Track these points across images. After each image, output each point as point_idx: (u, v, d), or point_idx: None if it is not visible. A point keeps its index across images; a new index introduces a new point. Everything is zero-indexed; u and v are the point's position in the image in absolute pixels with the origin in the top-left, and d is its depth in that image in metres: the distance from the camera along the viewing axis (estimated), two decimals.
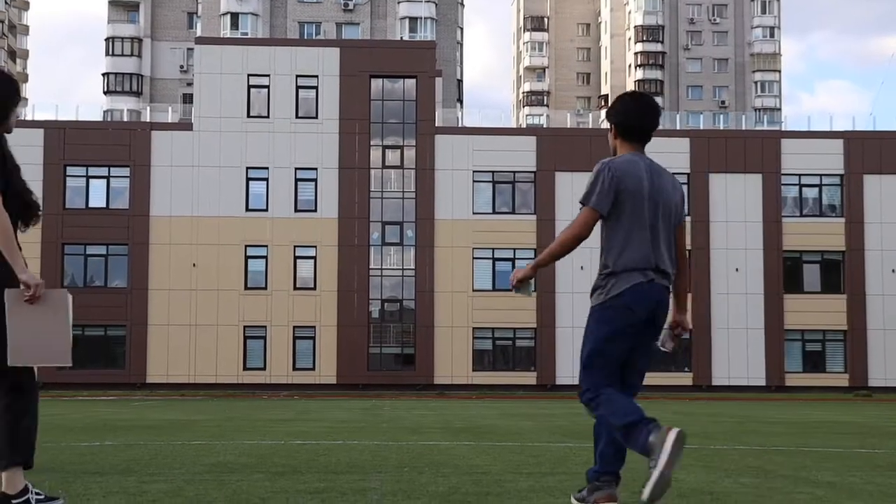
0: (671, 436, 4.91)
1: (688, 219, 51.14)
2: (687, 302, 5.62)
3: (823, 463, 8.83)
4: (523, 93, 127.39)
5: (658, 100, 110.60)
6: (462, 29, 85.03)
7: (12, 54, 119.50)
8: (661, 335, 5.57)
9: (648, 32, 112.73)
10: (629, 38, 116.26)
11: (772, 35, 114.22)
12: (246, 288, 49.72)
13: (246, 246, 49.85)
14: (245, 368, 49.60)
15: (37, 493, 5.13)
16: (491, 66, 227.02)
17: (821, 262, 52.62)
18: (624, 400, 5.22)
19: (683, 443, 4.96)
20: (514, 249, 50.72)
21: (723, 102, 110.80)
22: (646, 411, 5.13)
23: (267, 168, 50.80)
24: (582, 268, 51.11)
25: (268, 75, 51.66)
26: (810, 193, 53.06)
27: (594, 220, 5.39)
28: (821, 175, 52.76)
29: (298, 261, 50.40)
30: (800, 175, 52.64)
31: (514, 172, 51.62)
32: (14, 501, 5.05)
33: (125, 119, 60.30)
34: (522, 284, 5.46)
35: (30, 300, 5.05)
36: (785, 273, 51.87)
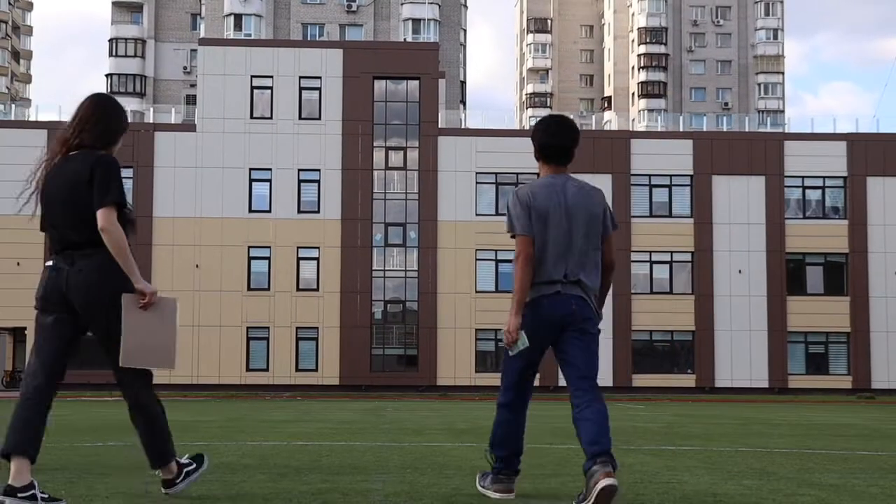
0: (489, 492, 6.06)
1: (690, 220, 51.48)
2: (603, 296, 6.02)
3: (827, 465, 8.81)
4: (526, 94, 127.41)
5: (661, 102, 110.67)
6: (465, 30, 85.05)
7: (16, 55, 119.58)
8: None
9: (652, 34, 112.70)
10: (632, 40, 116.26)
11: (775, 37, 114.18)
12: (249, 289, 49.74)
13: (249, 247, 49.88)
14: (248, 369, 49.63)
15: (42, 495, 5.35)
16: (494, 68, 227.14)
17: (824, 263, 52.59)
18: (516, 422, 5.98)
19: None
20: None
21: (726, 104, 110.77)
22: (516, 454, 5.99)
23: (270, 169, 50.83)
24: None
25: (271, 76, 51.69)
26: (813, 195, 53.03)
27: (530, 243, 5.73)
28: (824, 177, 52.73)
29: (301, 262, 50.41)
30: (803, 177, 52.61)
31: (517, 174, 51.59)
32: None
33: (129, 120, 60.28)
34: (520, 336, 5.80)
35: (143, 306, 5.53)
36: (788, 275, 51.85)
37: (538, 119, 6.06)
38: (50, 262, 5.57)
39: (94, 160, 5.53)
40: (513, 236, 5.80)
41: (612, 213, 5.98)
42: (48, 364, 5.66)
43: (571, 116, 53.89)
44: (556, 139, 6.01)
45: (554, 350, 5.92)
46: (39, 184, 5.74)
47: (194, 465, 6.02)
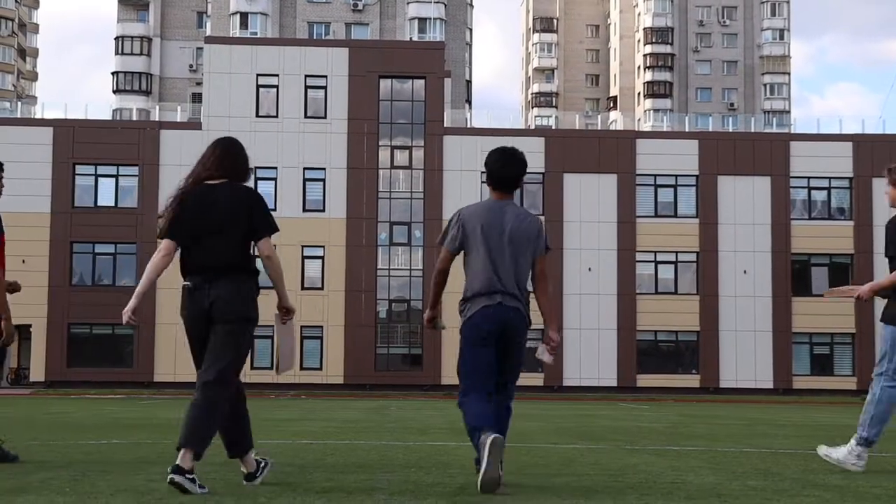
0: (487, 441, 6.00)
1: (696, 221, 51.49)
2: (553, 319, 6.62)
3: (831, 466, 8.80)
4: (532, 94, 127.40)
5: (666, 101, 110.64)
6: (471, 30, 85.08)
7: (22, 53, 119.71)
8: (538, 348, 6.78)
9: (658, 34, 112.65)
10: (638, 40, 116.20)
11: (781, 37, 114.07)
12: None
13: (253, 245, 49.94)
14: (252, 367, 49.64)
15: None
16: (500, 68, 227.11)
17: (829, 264, 52.54)
18: (478, 407, 6.32)
19: (500, 446, 6.04)
20: None
21: (732, 104, 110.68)
22: (490, 420, 6.25)
23: (275, 168, 50.87)
24: (590, 269, 51.15)
25: (277, 75, 51.72)
26: (819, 196, 52.98)
27: (449, 256, 6.53)
28: (830, 178, 52.68)
29: (306, 261, 50.45)
30: (809, 178, 52.56)
31: None
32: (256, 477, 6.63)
33: (134, 118, 60.39)
34: (434, 322, 6.70)
35: (284, 321, 6.61)
36: (793, 276, 51.80)
37: (491, 151, 6.77)
38: (188, 283, 6.26)
39: (248, 194, 6.31)
40: (440, 244, 6.58)
41: (547, 238, 6.73)
42: (202, 373, 6.41)
43: (576, 118, 53.64)
44: (504, 170, 6.65)
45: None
46: (174, 212, 6.33)
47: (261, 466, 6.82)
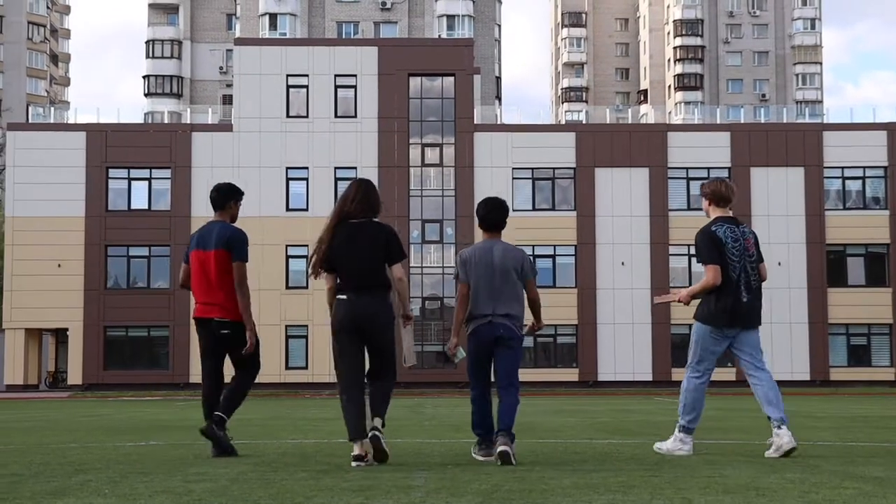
0: (496, 452, 8.03)
1: (729, 213, 50.98)
2: (539, 314, 8.46)
3: (871, 458, 8.74)
4: (562, 89, 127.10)
5: (697, 94, 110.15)
6: (500, 26, 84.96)
7: (54, 58, 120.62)
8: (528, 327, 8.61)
9: (687, 26, 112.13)
10: (668, 33, 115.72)
11: (813, 27, 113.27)
12: (287, 287, 49.94)
13: (287, 245, 50.08)
14: (287, 367, 49.87)
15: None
16: (529, 63, 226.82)
17: (865, 255, 52.16)
18: (482, 410, 8.48)
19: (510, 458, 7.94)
20: (555, 246, 50.64)
21: (763, 95, 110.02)
22: (489, 426, 8.42)
23: (307, 168, 51.03)
24: (623, 263, 51.00)
25: (306, 75, 51.86)
26: (853, 186, 52.59)
27: (466, 287, 8.28)
28: (864, 167, 52.28)
29: None
30: (843, 168, 52.19)
31: (554, 169, 51.53)
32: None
33: (166, 121, 60.68)
34: (457, 351, 8.29)
35: (405, 325, 8.26)
36: (828, 267, 51.45)
37: (481, 201, 8.56)
38: (343, 296, 8.01)
39: (388, 231, 8.10)
40: (457, 281, 8.36)
41: (532, 264, 8.48)
42: (354, 376, 8.07)
43: (607, 112, 53.48)
44: (490, 215, 8.45)
45: (493, 359, 8.33)
46: (328, 239, 8.04)
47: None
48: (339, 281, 8.05)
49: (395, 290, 8.03)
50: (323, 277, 8.14)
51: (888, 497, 6.08)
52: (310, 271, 8.24)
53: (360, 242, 7.98)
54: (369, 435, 7.83)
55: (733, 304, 8.50)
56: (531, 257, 52.23)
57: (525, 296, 8.39)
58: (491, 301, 8.19)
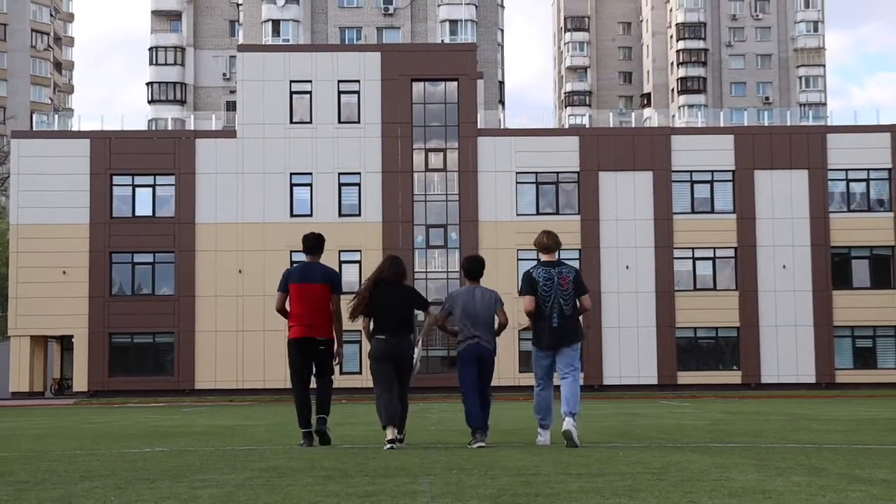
0: (476, 444, 10.80)
1: (734, 216, 51.13)
2: (499, 333, 11.37)
3: (877, 460, 8.73)
4: (565, 93, 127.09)
5: (701, 97, 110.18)
6: (502, 31, 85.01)
7: (58, 66, 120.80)
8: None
9: (690, 30, 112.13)
10: (671, 36, 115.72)
11: (815, 29, 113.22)
12: None
13: (291, 251, 50.06)
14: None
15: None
16: (532, 68, 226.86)
17: (870, 257, 52.10)
18: (473, 408, 11.02)
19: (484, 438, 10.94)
20: (559, 251, 50.56)
21: (767, 98, 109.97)
22: (479, 420, 10.97)
23: (311, 174, 51.05)
24: (627, 267, 50.99)
25: (310, 81, 51.90)
26: (857, 188, 52.54)
27: (444, 317, 11.40)
28: (868, 169, 52.24)
29: (343, 265, 50.52)
30: (846, 170, 52.15)
31: (558, 173, 51.52)
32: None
33: (170, 128, 60.77)
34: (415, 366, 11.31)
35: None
36: (833, 269, 51.38)
37: (466, 257, 11.59)
38: (381, 336, 10.92)
39: (411, 291, 11.28)
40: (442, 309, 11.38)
41: (500, 299, 11.32)
42: (388, 384, 10.92)
43: (610, 116, 53.36)
44: (472, 269, 11.36)
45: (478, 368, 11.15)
46: (367, 296, 10.96)
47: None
48: (374, 323, 10.95)
49: (427, 322, 11.40)
50: (360, 320, 11.07)
51: (895, 500, 6.07)
52: (349, 315, 11.00)
53: (394, 299, 10.93)
54: (395, 436, 10.68)
55: (547, 327, 10.79)
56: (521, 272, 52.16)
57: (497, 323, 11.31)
58: (475, 328, 11.03)
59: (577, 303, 10.98)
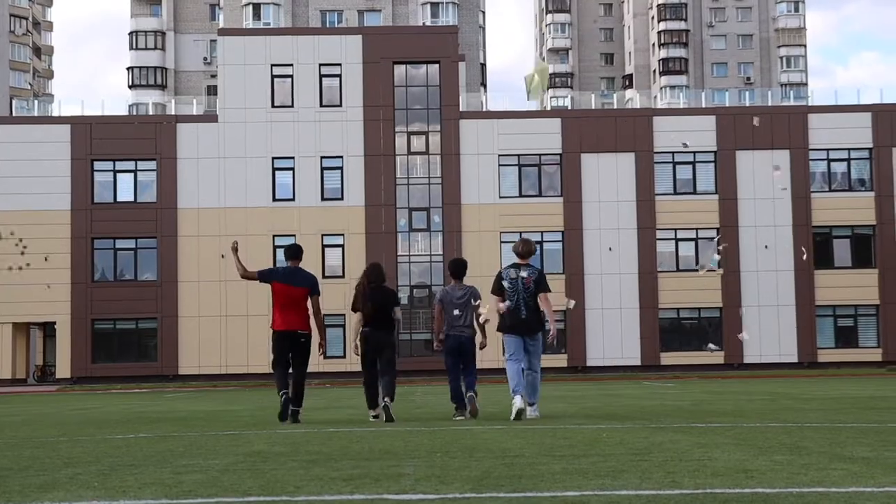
0: (464, 414, 13.25)
1: (715, 197, 51.33)
2: (483, 335, 13.79)
3: (858, 438, 8.78)
4: (547, 74, 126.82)
5: (682, 78, 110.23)
6: (484, 13, 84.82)
7: (37, 51, 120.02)
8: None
9: (671, 10, 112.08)
10: (652, 17, 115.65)
11: (796, 9, 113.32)
12: None
13: (273, 236, 50.00)
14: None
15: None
16: (514, 50, 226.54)
17: (851, 236, 52.31)
18: (455, 387, 13.48)
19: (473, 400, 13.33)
20: (542, 232, 50.66)
21: (748, 79, 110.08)
22: (461, 397, 13.43)
23: (293, 157, 50.93)
24: (610, 249, 51.08)
25: (291, 65, 51.74)
26: (839, 168, 52.71)
27: (441, 310, 13.44)
28: (849, 149, 52.41)
29: (326, 249, 50.53)
30: (828, 150, 52.30)
31: (540, 155, 51.52)
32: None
33: (150, 112, 60.52)
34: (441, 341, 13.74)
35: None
36: (815, 248, 51.56)
37: (451, 260, 14.13)
38: (367, 329, 13.03)
39: (392, 293, 13.38)
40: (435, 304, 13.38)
41: (477, 294, 13.45)
42: (373, 368, 13.17)
43: (592, 98, 53.09)
44: (457, 270, 13.69)
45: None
46: (362, 298, 13.04)
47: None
48: (362, 317, 13.06)
49: (395, 318, 13.24)
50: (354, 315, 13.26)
51: (876, 478, 6.11)
52: (352, 307, 13.19)
53: (377, 299, 13.04)
54: (381, 405, 12.87)
55: (514, 318, 12.68)
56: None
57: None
58: (458, 321, 13.31)
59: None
